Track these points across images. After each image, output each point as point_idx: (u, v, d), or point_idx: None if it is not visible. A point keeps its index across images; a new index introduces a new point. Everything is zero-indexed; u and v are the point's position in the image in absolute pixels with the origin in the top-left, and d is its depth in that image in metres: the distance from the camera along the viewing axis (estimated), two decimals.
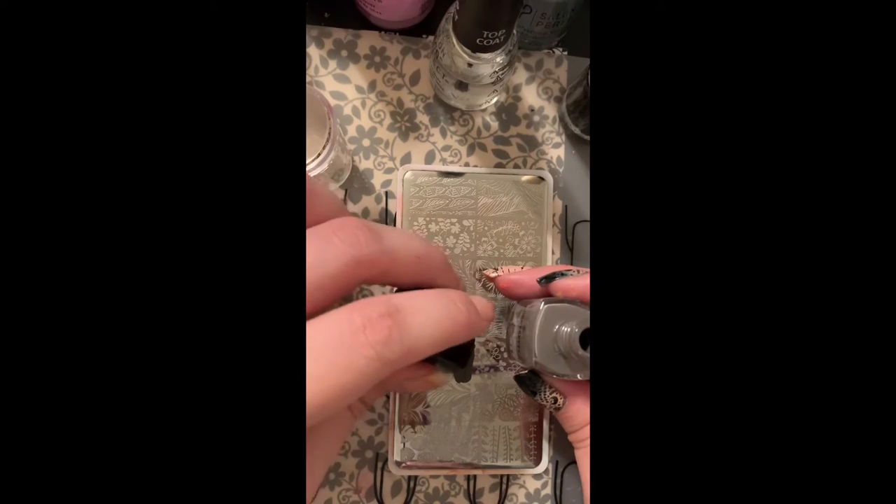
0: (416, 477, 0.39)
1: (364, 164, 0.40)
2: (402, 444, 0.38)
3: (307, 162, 0.31)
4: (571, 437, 0.31)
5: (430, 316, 0.18)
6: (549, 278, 0.30)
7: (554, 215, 0.40)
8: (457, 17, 0.31)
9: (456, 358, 0.24)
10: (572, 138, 0.41)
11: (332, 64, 0.41)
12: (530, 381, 0.30)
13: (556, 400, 0.29)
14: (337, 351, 0.16)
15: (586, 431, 0.29)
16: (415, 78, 0.41)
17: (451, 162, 0.41)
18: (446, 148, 0.41)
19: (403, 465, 0.38)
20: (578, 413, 0.29)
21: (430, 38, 0.41)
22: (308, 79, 0.40)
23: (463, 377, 0.25)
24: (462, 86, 0.36)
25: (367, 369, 0.16)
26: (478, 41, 0.31)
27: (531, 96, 0.41)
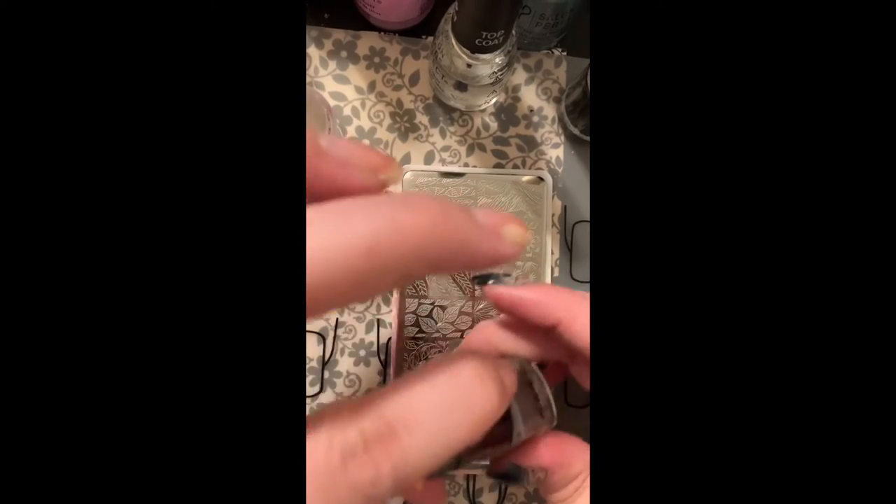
0: None
1: None
2: None
3: None
4: (554, 498, 0.29)
5: (437, 430, 0.14)
6: (483, 279, 0.26)
7: (553, 215, 0.40)
8: (456, 17, 0.31)
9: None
10: (571, 138, 0.41)
11: (332, 65, 0.41)
12: (514, 472, 0.27)
13: (539, 479, 0.28)
14: (310, 496, 0.12)
15: (571, 489, 0.27)
16: (414, 78, 0.41)
17: (451, 162, 0.41)
18: (446, 148, 0.41)
19: None
20: (563, 478, 0.27)
21: (430, 38, 0.41)
22: (308, 79, 0.40)
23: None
24: (461, 86, 0.36)
25: None
26: (477, 42, 0.31)
27: (530, 97, 0.41)
